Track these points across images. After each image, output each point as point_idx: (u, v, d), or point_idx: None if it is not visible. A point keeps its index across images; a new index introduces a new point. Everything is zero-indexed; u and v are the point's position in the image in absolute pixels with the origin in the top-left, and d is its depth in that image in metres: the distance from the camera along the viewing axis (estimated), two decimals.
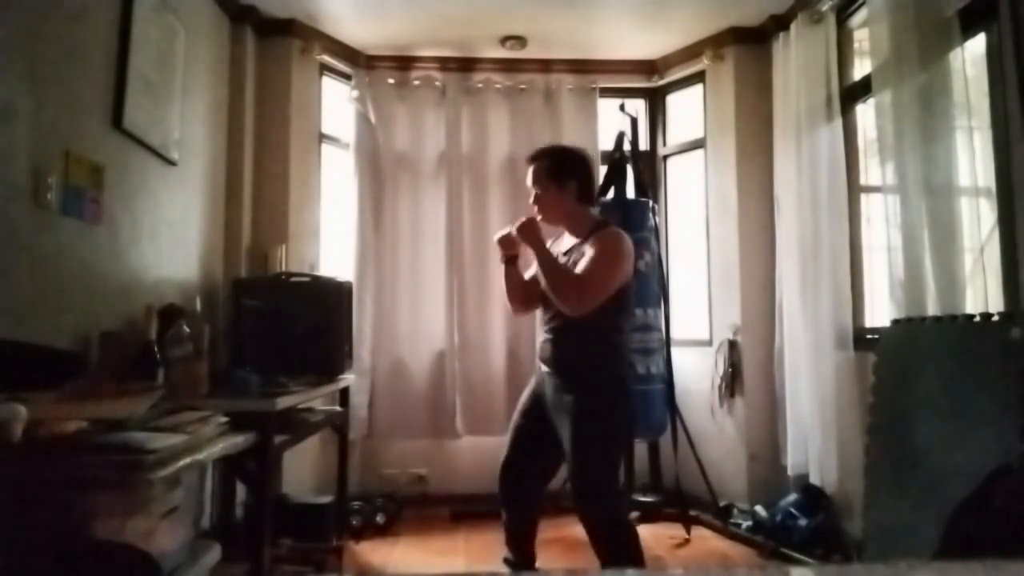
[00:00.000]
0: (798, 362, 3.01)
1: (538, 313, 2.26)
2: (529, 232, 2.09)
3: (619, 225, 3.31)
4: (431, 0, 3.22)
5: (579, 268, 2.03)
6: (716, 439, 3.48)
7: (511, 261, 2.24)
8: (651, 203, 3.56)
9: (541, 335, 2.20)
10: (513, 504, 2.24)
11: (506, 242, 2.20)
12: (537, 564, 2.31)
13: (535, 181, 2.17)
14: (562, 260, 2.15)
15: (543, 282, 2.07)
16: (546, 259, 2.06)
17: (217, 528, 2.63)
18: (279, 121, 3.39)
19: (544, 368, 2.19)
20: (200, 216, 2.91)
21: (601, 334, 2.08)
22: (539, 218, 2.17)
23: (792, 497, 2.98)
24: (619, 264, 2.03)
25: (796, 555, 2.78)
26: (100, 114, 2.14)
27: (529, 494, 2.25)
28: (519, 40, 3.64)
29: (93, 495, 1.26)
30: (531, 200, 2.20)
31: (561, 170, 2.15)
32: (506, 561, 2.26)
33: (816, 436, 2.85)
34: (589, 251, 2.04)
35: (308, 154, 3.54)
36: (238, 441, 1.70)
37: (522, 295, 2.26)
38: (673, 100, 4.05)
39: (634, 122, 3.62)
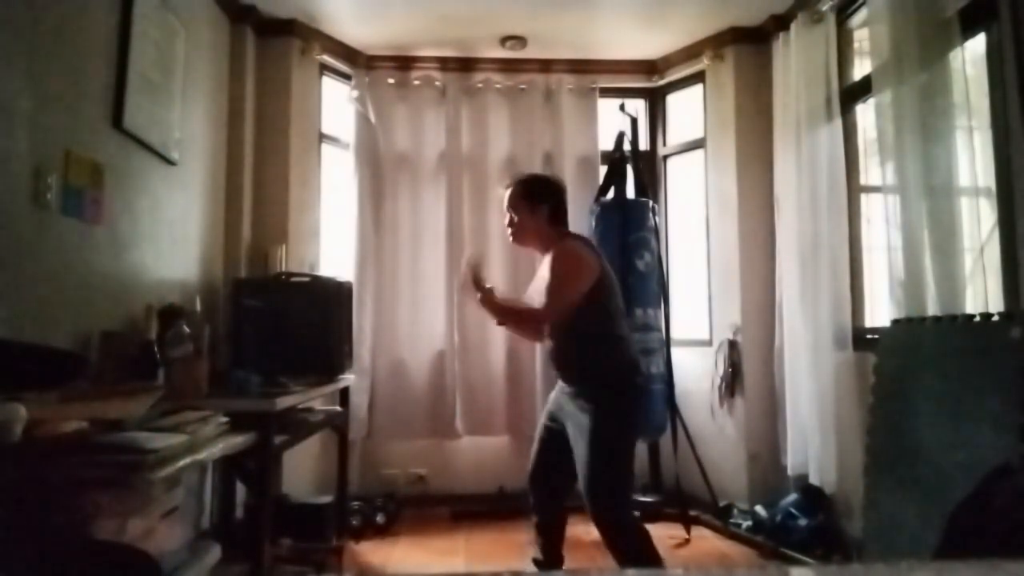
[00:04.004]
0: (798, 362, 3.01)
1: None
2: (471, 296, 2.26)
3: (619, 225, 3.38)
4: (431, 0, 3.23)
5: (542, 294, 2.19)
6: (716, 439, 3.48)
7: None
8: (651, 203, 3.57)
9: (546, 343, 2.30)
10: (543, 508, 2.30)
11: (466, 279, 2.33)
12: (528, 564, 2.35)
13: (509, 205, 2.29)
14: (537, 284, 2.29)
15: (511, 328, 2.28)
16: (501, 310, 2.24)
17: (217, 528, 2.63)
18: (279, 121, 3.39)
19: (557, 376, 2.31)
20: (200, 216, 2.91)
21: (593, 342, 2.15)
22: (511, 239, 2.30)
23: (792, 497, 2.98)
24: (570, 277, 2.12)
25: (796, 555, 2.78)
26: (100, 114, 2.14)
27: (556, 497, 2.29)
28: (519, 40, 3.64)
29: (93, 495, 1.26)
30: (505, 222, 2.31)
31: (533, 195, 2.26)
32: (535, 561, 2.30)
33: (816, 436, 2.85)
34: (544, 273, 2.18)
35: (308, 154, 3.54)
36: (238, 441, 1.70)
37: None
38: (673, 100, 4.05)
39: (634, 122, 3.62)
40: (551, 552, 2.29)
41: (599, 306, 2.14)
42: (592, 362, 2.15)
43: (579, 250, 2.16)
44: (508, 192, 2.31)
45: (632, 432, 2.17)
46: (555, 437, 2.25)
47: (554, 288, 2.11)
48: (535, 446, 2.33)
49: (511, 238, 2.30)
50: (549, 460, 2.27)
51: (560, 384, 2.29)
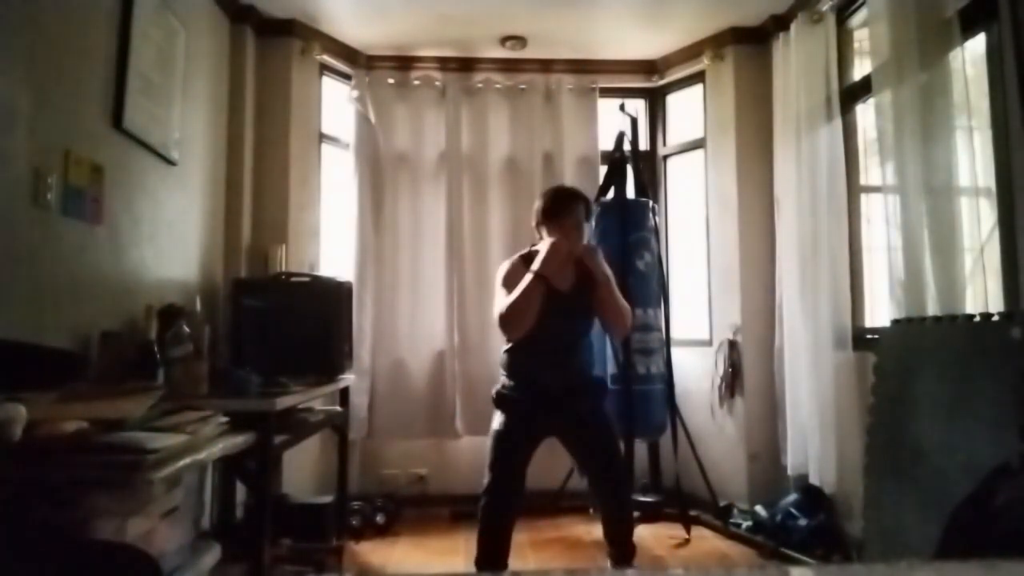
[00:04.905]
0: (798, 362, 3.01)
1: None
2: (595, 253, 2.17)
3: (619, 225, 3.39)
4: (431, 0, 3.23)
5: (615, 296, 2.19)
6: (716, 439, 3.48)
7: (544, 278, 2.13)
8: (651, 203, 3.57)
9: (541, 354, 2.18)
10: (508, 515, 2.12)
11: (565, 253, 2.13)
12: (534, 565, 2.33)
13: (580, 220, 2.21)
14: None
15: (612, 305, 2.16)
16: (611, 284, 2.18)
17: (217, 528, 2.63)
18: (279, 121, 3.39)
19: (540, 384, 2.19)
20: (200, 216, 2.91)
21: (588, 344, 2.30)
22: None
23: (792, 497, 2.98)
24: None
25: (796, 555, 2.78)
26: (100, 114, 2.14)
27: (519, 505, 2.16)
28: (519, 40, 3.64)
29: (93, 495, 1.26)
30: (570, 236, 2.15)
31: (589, 214, 2.32)
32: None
33: (816, 436, 2.85)
34: (606, 279, 2.16)
35: (308, 154, 3.54)
36: (238, 441, 1.70)
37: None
38: (673, 100, 4.05)
39: (634, 122, 3.62)
40: (499, 563, 2.08)
41: None
42: (592, 364, 2.32)
43: None
44: (580, 206, 2.22)
45: None
46: (523, 458, 2.16)
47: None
48: (500, 458, 2.14)
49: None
50: (521, 465, 2.15)
51: (544, 391, 2.17)
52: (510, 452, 2.15)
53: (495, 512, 2.09)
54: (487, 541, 2.08)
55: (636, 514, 3.28)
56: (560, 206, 2.21)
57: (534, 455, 2.21)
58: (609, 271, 2.18)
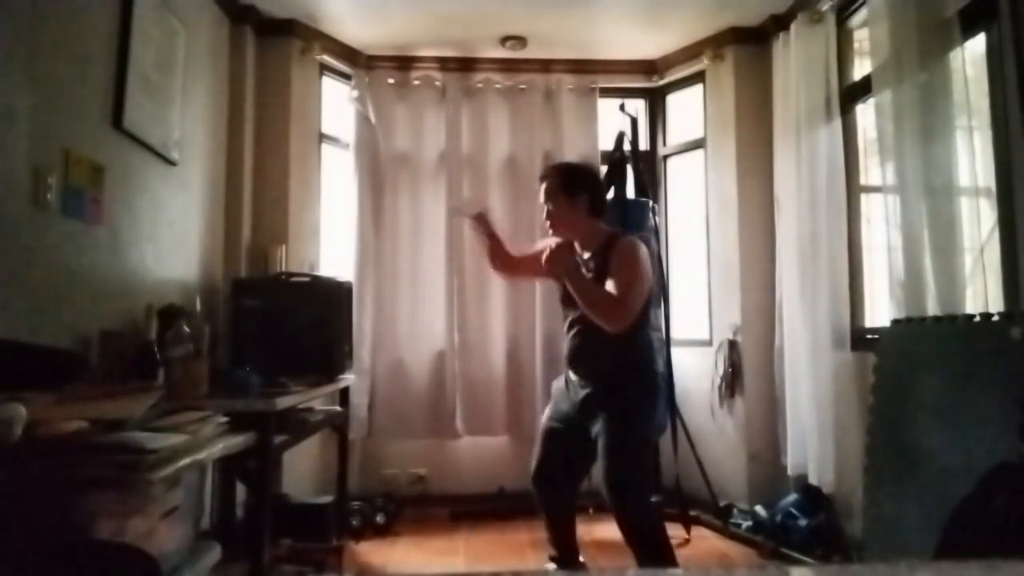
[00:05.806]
0: (798, 362, 3.01)
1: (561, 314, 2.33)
2: (560, 261, 2.06)
3: (619, 225, 3.37)
4: (431, 0, 3.23)
5: (611, 286, 2.06)
6: (716, 439, 3.47)
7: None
8: (651, 203, 3.56)
9: (568, 339, 2.25)
10: (552, 507, 2.30)
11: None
12: (534, 565, 2.34)
13: (547, 197, 2.21)
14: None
15: (581, 305, 2.08)
16: (583, 285, 2.06)
17: (217, 528, 2.63)
18: (279, 121, 3.39)
19: (573, 373, 2.25)
20: (200, 216, 2.91)
21: (628, 337, 2.10)
22: (550, 232, 2.22)
23: (792, 497, 2.98)
24: (646, 274, 2.11)
25: (796, 555, 2.78)
26: (100, 114, 2.14)
27: (564, 496, 2.31)
28: (519, 40, 3.64)
29: (93, 495, 1.26)
30: (544, 216, 2.23)
31: (572, 185, 2.19)
32: (552, 559, 2.32)
33: (815, 436, 2.85)
34: (615, 266, 2.09)
35: (308, 154, 3.54)
36: (238, 441, 1.70)
37: (507, 263, 2.43)
38: (673, 100, 4.04)
39: (634, 122, 3.62)
40: (566, 548, 2.30)
41: (644, 308, 2.13)
42: (622, 357, 2.14)
43: (644, 247, 2.15)
44: (545, 184, 2.22)
45: (652, 431, 2.23)
46: (562, 437, 2.24)
47: (635, 287, 2.04)
48: (540, 445, 2.30)
49: (550, 230, 2.22)
50: (555, 459, 2.26)
51: (575, 382, 2.23)
52: (545, 433, 2.29)
53: (537, 491, 2.28)
54: (546, 522, 2.32)
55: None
56: None
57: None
58: (573, 264, 2.09)
